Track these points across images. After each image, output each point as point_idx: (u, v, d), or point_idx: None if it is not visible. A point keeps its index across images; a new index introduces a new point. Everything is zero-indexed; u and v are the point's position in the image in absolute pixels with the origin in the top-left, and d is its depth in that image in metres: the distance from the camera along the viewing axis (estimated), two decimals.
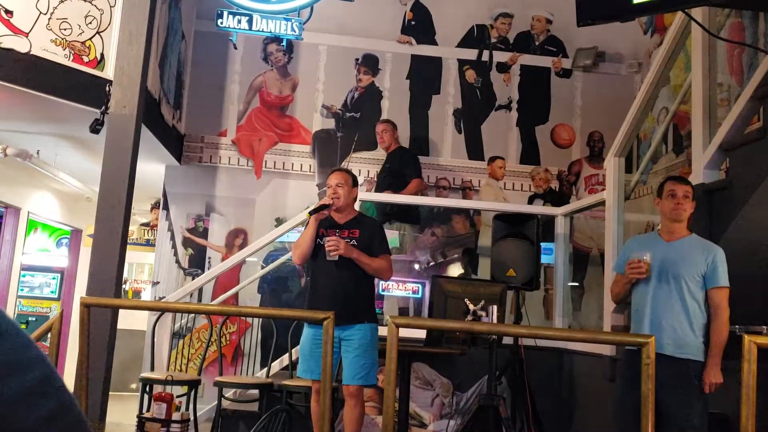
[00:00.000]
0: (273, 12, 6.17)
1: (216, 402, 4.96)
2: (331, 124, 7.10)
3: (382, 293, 6.80)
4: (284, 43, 6.88)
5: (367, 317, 3.92)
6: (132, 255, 7.82)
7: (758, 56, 4.67)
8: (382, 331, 4.11)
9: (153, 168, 6.71)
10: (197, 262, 6.81)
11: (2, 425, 0.49)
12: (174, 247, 6.81)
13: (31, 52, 4.49)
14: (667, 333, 3.26)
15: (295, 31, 6.18)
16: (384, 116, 7.13)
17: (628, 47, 7.32)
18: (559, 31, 7.39)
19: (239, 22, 6.11)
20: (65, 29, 4.64)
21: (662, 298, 3.33)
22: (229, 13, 6.11)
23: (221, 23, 6.14)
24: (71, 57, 4.67)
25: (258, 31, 6.18)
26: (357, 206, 5.38)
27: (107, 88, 4.69)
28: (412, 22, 7.29)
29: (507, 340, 4.66)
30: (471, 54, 7.32)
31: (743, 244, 3.69)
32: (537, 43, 7.42)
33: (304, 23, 6.30)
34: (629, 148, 5.02)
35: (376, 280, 4.18)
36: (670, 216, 3.43)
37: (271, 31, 6.18)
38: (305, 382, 4.28)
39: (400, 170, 6.29)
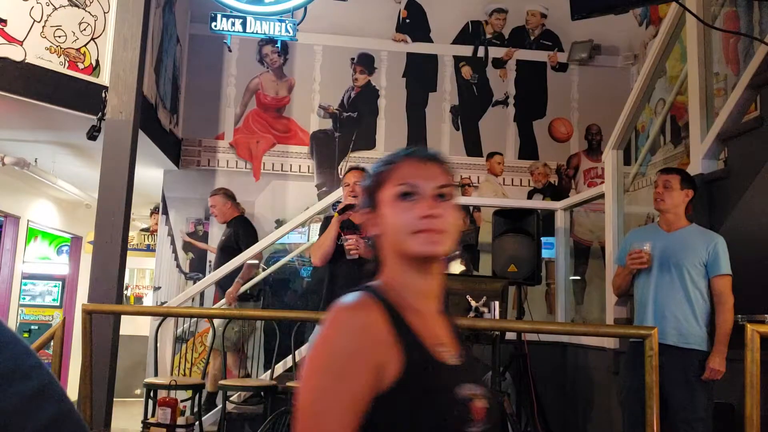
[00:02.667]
0: (266, 13, 6.16)
1: (221, 405, 4.96)
2: (328, 124, 7.10)
3: None
4: (279, 45, 6.88)
5: None
6: (133, 260, 7.82)
7: (753, 45, 4.66)
8: None
9: (151, 173, 6.71)
10: (198, 266, 6.81)
11: None
12: (174, 251, 6.81)
13: (26, 61, 4.48)
14: (671, 323, 3.26)
15: (289, 32, 6.17)
16: (381, 115, 7.13)
17: (623, 40, 7.32)
18: (554, 25, 7.39)
19: (233, 24, 6.10)
20: (60, 36, 4.64)
21: (665, 289, 3.33)
22: (223, 15, 6.11)
23: (215, 26, 6.13)
24: (66, 64, 4.67)
25: (252, 33, 6.17)
26: None
27: (103, 95, 4.69)
28: (407, 20, 7.29)
29: (510, 336, 4.66)
30: (466, 50, 7.32)
31: (743, 233, 3.69)
32: (532, 38, 7.42)
33: (298, 24, 6.29)
34: (627, 140, 5.01)
35: None
36: (654, 206, 3.48)
37: (265, 33, 6.18)
38: None
39: (234, 242, 5.73)
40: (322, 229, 4.09)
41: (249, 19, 6.10)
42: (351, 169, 4.18)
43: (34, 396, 0.51)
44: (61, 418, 0.53)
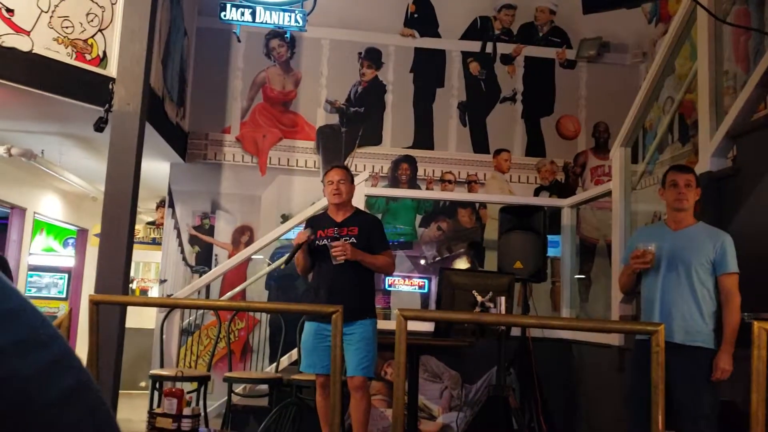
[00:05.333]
0: (276, 3, 6.15)
1: (226, 397, 4.97)
2: (335, 119, 7.09)
3: (389, 289, 6.80)
4: (288, 35, 6.86)
5: (368, 314, 3.95)
6: (138, 254, 7.82)
7: (764, 43, 4.64)
8: (385, 324, 4.13)
9: (158, 166, 6.71)
10: (204, 259, 6.81)
11: (23, 401, 0.49)
12: (180, 245, 6.82)
13: (34, 51, 4.48)
14: (678, 321, 3.25)
15: (298, 23, 6.16)
16: (388, 110, 7.12)
17: (632, 37, 7.29)
18: (563, 22, 7.36)
19: (242, 14, 6.10)
20: (67, 27, 4.64)
21: (672, 287, 3.31)
22: (233, 5, 6.10)
23: (224, 16, 6.12)
24: (74, 55, 4.67)
25: (261, 23, 6.16)
26: (363, 201, 5.41)
27: (110, 86, 4.69)
28: (415, 15, 7.27)
29: (515, 332, 4.65)
30: (475, 46, 7.30)
31: (752, 231, 3.67)
32: (541, 34, 7.39)
33: (308, 14, 6.27)
34: (635, 138, 4.99)
35: (376, 276, 4.20)
36: (673, 206, 3.43)
37: (274, 23, 6.16)
38: (314, 376, 4.28)
39: None
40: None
41: (258, 9, 6.09)
42: (334, 167, 4.16)
43: (55, 364, 0.51)
44: (81, 388, 0.53)
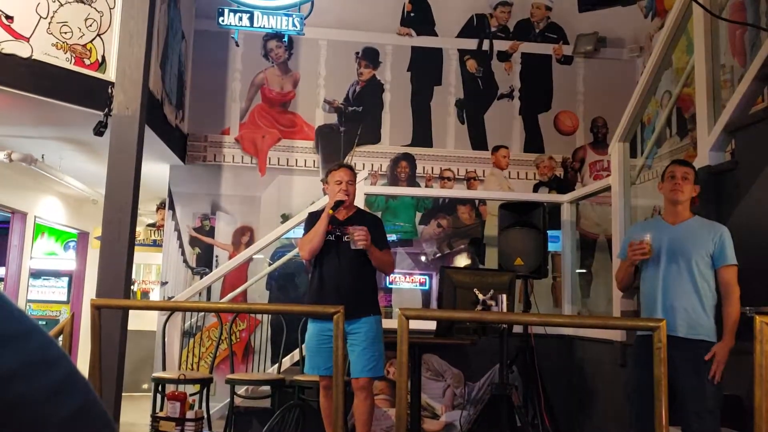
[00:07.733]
0: (273, 8, 6.16)
1: (228, 399, 4.98)
2: (333, 118, 7.10)
3: (391, 286, 6.81)
4: (285, 39, 6.87)
5: (372, 310, 3.94)
6: (139, 256, 7.82)
7: (760, 36, 4.65)
8: (386, 323, 4.13)
9: (157, 168, 6.72)
10: (205, 260, 6.82)
11: (32, 424, 0.50)
12: (181, 246, 6.83)
13: (33, 57, 4.49)
14: (680, 315, 3.26)
15: (296, 26, 6.18)
16: (386, 109, 7.13)
17: (628, 32, 7.29)
18: (559, 18, 7.36)
19: (240, 19, 6.12)
20: (66, 33, 4.64)
21: (673, 281, 3.32)
22: (230, 10, 6.12)
23: (222, 21, 6.14)
24: (73, 60, 4.68)
25: (259, 27, 6.18)
26: (362, 200, 5.42)
27: (109, 90, 4.70)
28: (411, 14, 7.28)
29: (517, 329, 4.67)
30: (471, 44, 7.31)
31: (751, 225, 3.68)
32: (537, 31, 7.40)
33: (305, 18, 6.28)
34: (633, 132, 5.00)
35: (377, 274, 4.20)
36: (669, 197, 3.44)
37: (272, 27, 6.18)
38: (317, 377, 4.30)
39: None
40: (307, 225, 4.10)
41: (256, 13, 6.11)
42: (341, 166, 4.12)
43: (62, 385, 0.52)
44: (87, 407, 0.54)
